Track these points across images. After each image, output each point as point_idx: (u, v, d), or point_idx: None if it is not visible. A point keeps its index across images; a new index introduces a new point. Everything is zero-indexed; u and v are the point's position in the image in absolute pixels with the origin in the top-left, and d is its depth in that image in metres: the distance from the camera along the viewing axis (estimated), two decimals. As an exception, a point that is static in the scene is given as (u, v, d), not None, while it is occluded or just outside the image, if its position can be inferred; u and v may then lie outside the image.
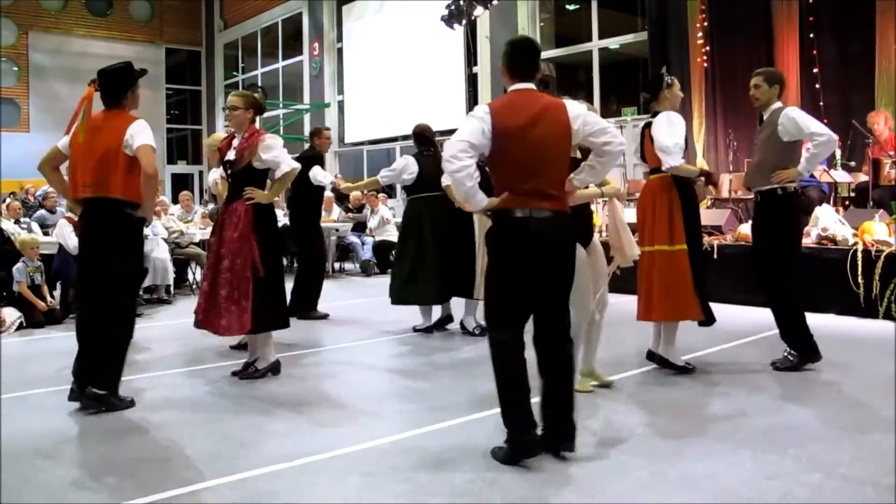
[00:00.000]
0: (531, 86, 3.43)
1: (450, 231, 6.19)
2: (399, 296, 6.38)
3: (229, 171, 4.94)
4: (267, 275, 4.72)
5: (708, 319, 4.87)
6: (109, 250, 4.15)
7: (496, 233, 3.40)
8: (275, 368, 4.95)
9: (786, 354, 4.90)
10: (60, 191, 4.67)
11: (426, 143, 6.45)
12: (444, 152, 3.34)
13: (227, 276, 4.72)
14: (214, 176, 6.40)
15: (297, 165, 4.97)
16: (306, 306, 7.26)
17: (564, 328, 3.43)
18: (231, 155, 4.91)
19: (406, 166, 6.31)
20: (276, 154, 4.84)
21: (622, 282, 6.13)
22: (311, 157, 7.25)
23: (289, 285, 5.25)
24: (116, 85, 4.25)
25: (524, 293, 3.36)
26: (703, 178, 5.08)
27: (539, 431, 3.35)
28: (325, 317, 7.32)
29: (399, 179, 6.41)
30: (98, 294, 4.22)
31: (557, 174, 3.38)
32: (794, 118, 4.74)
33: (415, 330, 6.47)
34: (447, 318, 6.54)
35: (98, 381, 4.13)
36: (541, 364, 3.40)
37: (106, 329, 4.20)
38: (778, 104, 4.90)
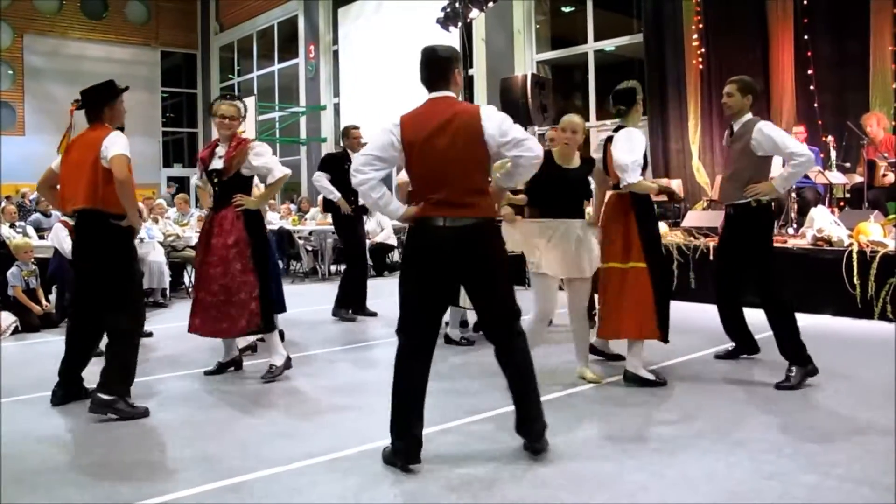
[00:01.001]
0: (447, 93, 3.42)
1: None
2: None
3: (216, 180, 4.98)
4: (261, 277, 4.87)
5: (663, 337, 4.72)
6: (98, 260, 4.29)
7: (409, 240, 3.49)
8: (287, 364, 5.03)
9: (789, 374, 4.64)
10: (59, 208, 4.93)
11: None
12: (352, 165, 3.44)
13: (224, 282, 4.79)
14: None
15: (288, 171, 5.08)
16: (357, 305, 7.45)
17: (507, 326, 3.42)
18: (218, 164, 4.94)
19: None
20: (267, 161, 4.94)
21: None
22: (339, 158, 7.43)
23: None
24: (94, 101, 4.40)
25: (429, 301, 3.39)
26: (663, 195, 5.06)
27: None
28: (373, 314, 7.46)
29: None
30: (91, 304, 4.36)
31: (469, 182, 3.33)
32: (771, 136, 4.67)
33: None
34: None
35: (104, 387, 4.13)
36: (498, 361, 3.46)
37: (110, 336, 4.30)
38: (748, 116, 4.86)
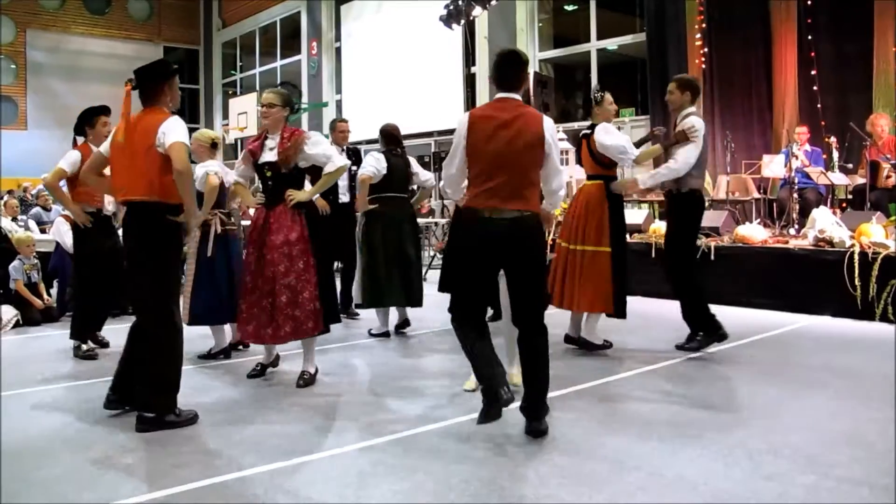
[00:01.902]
0: (514, 95, 3.72)
1: (410, 233, 6.28)
2: (373, 298, 6.21)
3: (269, 174, 4.67)
4: (322, 276, 4.68)
5: (619, 313, 5.36)
6: (142, 258, 3.91)
7: (458, 227, 4.02)
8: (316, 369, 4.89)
9: (696, 338, 5.41)
10: (108, 193, 4.76)
11: (395, 142, 6.38)
12: (446, 183, 3.86)
13: (287, 281, 4.52)
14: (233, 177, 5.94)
15: (347, 162, 4.94)
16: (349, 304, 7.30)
17: (531, 320, 3.67)
18: (271, 156, 4.64)
19: (380, 160, 6.16)
20: (325, 149, 4.71)
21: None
22: None
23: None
24: (151, 81, 4.00)
25: (475, 282, 3.74)
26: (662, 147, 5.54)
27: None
28: (356, 315, 7.26)
29: (379, 175, 6.18)
30: (142, 306, 4.00)
31: (518, 178, 3.61)
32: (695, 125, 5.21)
33: (371, 335, 6.34)
34: (405, 322, 6.47)
35: (146, 406, 3.83)
36: (518, 345, 3.75)
37: (147, 344, 3.91)
38: (690, 109, 5.38)
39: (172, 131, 3.81)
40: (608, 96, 5.44)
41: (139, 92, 4.00)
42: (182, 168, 3.77)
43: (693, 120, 5.22)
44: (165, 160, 3.83)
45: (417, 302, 6.26)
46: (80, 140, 5.56)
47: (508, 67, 3.69)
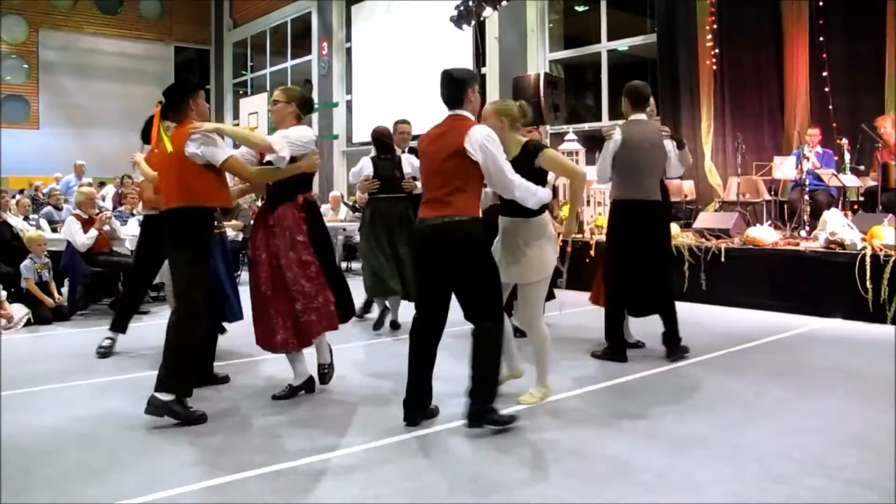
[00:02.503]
0: (458, 112, 3.92)
1: (402, 234, 6.36)
2: (379, 288, 6.40)
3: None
4: (332, 272, 4.55)
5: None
6: (174, 257, 4.17)
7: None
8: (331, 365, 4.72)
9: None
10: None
11: (379, 146, 6.52)
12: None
13: (299, 287, 4.33)
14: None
15: (278, 156, 4.26)
16: None
17: (474, 316, 3.81)
18: (273, 154, 4.33)
19: (362, 168, 6.50)
20: (279, 143, 4.25)
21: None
22: None
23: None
24: (176, 98, 4.21)
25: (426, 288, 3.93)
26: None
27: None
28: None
29: (357, 180, 6.61)
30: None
31: (444, 186, 3.81)
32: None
33: (374, 329, 6.59)
34: (394, 323, 6.66)
35: (160, 383, 3.94)
36: None
37: (169, 326, 4.09)
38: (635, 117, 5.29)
39: (211, 150, 4.06)
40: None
41: (169, 109, 4.18)
42: (251, 177, 4.21)
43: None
44: (198, 169, 4.04)
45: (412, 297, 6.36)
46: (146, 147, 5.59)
47: (444, 88, 3.91)
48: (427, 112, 16.68)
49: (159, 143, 4.16)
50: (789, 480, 3.11)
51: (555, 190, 5.35)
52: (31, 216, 10.21)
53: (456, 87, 3.90)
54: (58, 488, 3.13)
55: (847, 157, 8.38)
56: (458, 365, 5.18)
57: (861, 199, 8.59)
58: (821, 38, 9.24)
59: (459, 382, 4.69)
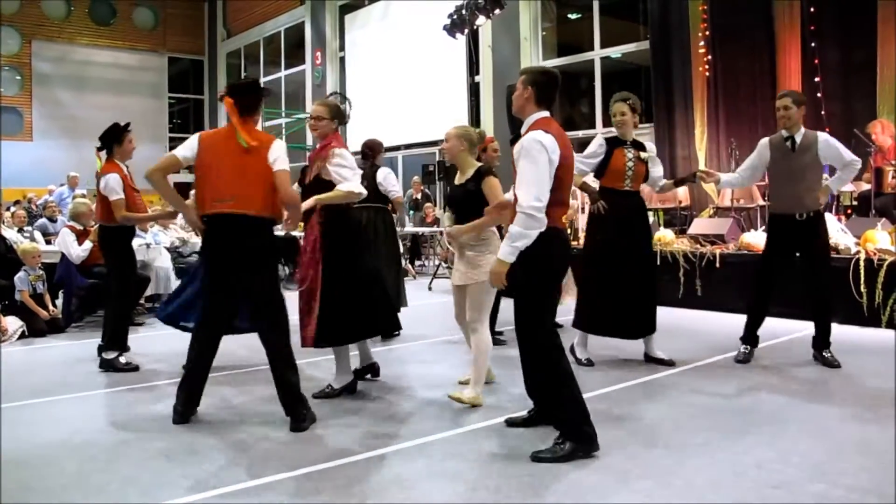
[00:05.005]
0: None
1: (380, 239, 6.42)
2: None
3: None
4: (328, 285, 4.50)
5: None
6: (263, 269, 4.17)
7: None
8: (351, 387, 4.74)
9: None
10: (169, 199, 4.47)
11: (364, 157, 6.54)
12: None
13: (306, 288, 4.49)
14: None
15: (359, 190, 4.46)
16: None
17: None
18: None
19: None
20: (342, 171, 4.41)
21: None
22: None
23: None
24: (247, 97, 4.14)
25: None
26: None
27: None
28: None
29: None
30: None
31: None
32: (836, 147, 5.37)
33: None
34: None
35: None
36: None
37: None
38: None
39: (281, 158, 4.02)
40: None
41: (239, 104, 4.06)
42: (289, 199, 4.01)
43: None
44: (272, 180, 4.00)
45: (401, 303, 6.55)
46: (104, 155, 5.58)
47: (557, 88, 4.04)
48: (421, 120, 16.72)
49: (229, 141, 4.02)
50: (789, 486, 3.11)
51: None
52: (25, 228, 10.18)
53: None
54: (57, 500, 3.11)
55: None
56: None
57: (855, 203, 8.63)
58: (813, 45, 9.30)
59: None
